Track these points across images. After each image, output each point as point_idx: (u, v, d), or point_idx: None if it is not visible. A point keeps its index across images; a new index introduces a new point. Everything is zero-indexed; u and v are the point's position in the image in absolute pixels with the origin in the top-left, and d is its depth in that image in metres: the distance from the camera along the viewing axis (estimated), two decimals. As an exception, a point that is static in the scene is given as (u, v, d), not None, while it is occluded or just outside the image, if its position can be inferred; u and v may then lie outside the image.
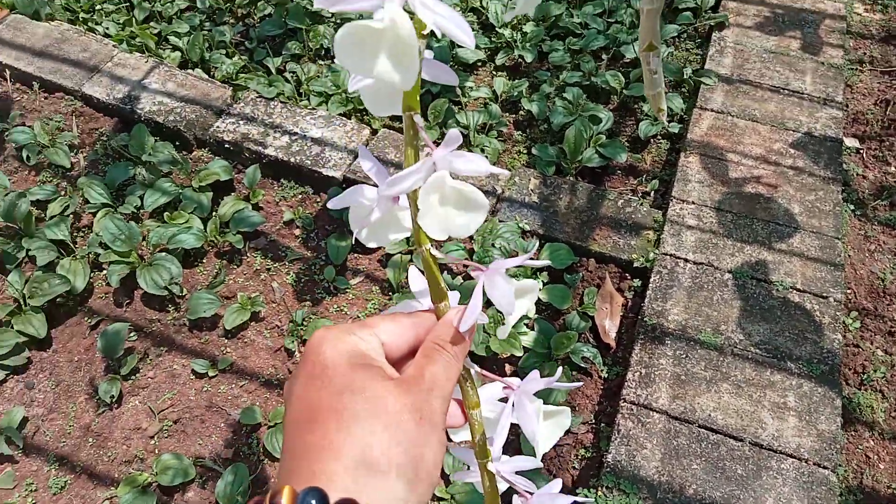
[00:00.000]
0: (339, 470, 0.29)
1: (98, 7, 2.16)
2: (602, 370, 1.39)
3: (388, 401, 0.31)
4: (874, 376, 1.31)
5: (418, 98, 0.33)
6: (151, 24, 2.12)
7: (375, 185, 0.38)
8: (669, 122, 1.82)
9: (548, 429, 0.41)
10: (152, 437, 1.36)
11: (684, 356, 1.28)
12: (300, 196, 1.72)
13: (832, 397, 1.21)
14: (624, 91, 1.89)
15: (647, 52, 0.80)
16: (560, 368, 0.49)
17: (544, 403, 0.41)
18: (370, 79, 0.33)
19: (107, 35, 2.07)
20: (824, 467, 1.12)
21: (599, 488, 1.12)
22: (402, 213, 0.39)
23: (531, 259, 0.38)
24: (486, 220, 1.56)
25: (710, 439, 1.16)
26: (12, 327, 1.47)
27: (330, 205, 0.40)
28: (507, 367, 1.41)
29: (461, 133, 1.83)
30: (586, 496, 1.13)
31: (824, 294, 1.36)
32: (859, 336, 1.39)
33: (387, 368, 0.34)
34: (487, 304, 0.38)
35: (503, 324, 0.41)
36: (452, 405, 0.39)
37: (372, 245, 0.39)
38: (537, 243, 1.54)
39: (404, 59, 0.28)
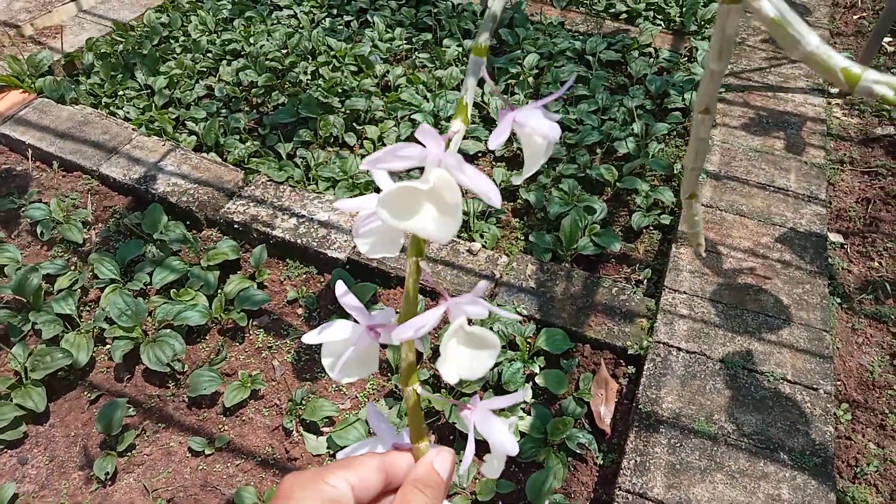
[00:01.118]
0: None
1: (120, 93, 2.28)
2: (597, 457, 1.39)
3: None
4: (867, 470, 1.32)
5: (425, 246, 0.36)
6: (170, 109, 2.24)
7: (354, 321, 0.39)
8: (660, 214, 1.90)
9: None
10: (144, 517, 1.35)
11: (679, 445, 1.30)
12: (304, 276, 1.77)
13: (826, 490, 1.22)
14: (617, 183, 1.98)
15: (689, 200, 0.96)
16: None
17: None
18: (405, 228, 0.33)
19: (127, 119, 2.18)
20: (820, 563, 1.11)
21: (595, 580, 1.10)
22: (376, 350, 0.40)
23: (518, 399, 0.40)
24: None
25: (705, 531, 1.16)
26: (11, 401, 1.48)
27: (305, 339, 0.40)
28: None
29: (463, 220, 1.90)
30: (582, 588, 1.11)
31: (814, 386, 1.39)
32: (851, 428, 1.41)
33: None
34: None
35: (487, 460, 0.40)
36: None
37: (345, 381, 0.41)
38: (534, 328, 1.58)
39: (446, 217, 0.31)
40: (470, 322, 0.36)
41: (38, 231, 1.84)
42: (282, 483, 0.34)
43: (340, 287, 0.40)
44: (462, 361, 0.35)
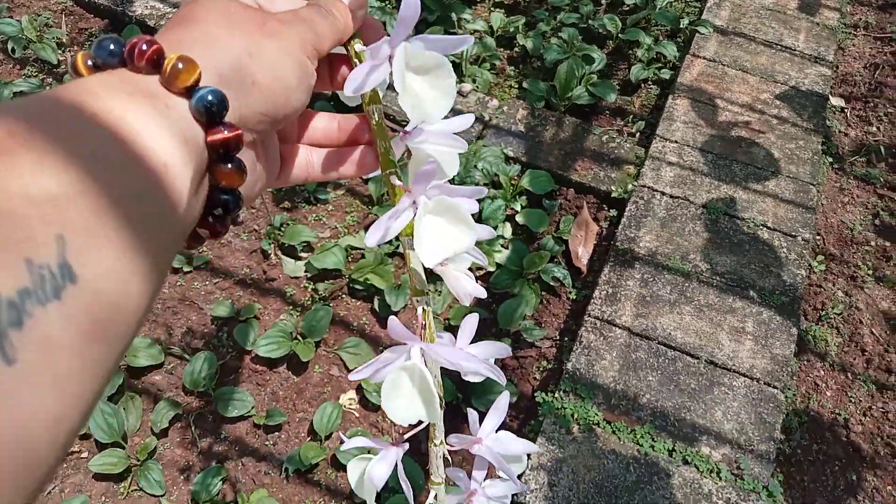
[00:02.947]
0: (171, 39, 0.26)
1: None
2: (571, 292, 1.41)
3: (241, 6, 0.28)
4: (832, 313, 1.35)
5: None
6: (149, -70, 2.08)
7: None
8: (660, 68, 1.83)
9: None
10: (124, 325, 1.37)
11: (651, 279, 1.31)
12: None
13: (789, 326, 1.24)
14: (620, 36, 1.89)
15: None
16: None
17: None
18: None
19: (102, -64, 2.03)
20: (774, 387, 1.15)
21: (556, 392, 1.15)
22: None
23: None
24: (471, 144, 1.57)
25: (667, 355, 1.19)
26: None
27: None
28: (480, 283, 1.43)
29: (454, 61, 1.82)
30: (543, 399, 1.16)
31: (793, 233, 1.39)
32: (823, 278, 1.43)
33: None
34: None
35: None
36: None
37: (352, 104, 0.37)
38: (519, 169, 1.55)
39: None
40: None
41: (10, 48, 1.75)
42: None
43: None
44: (419, 95, 0.32)
